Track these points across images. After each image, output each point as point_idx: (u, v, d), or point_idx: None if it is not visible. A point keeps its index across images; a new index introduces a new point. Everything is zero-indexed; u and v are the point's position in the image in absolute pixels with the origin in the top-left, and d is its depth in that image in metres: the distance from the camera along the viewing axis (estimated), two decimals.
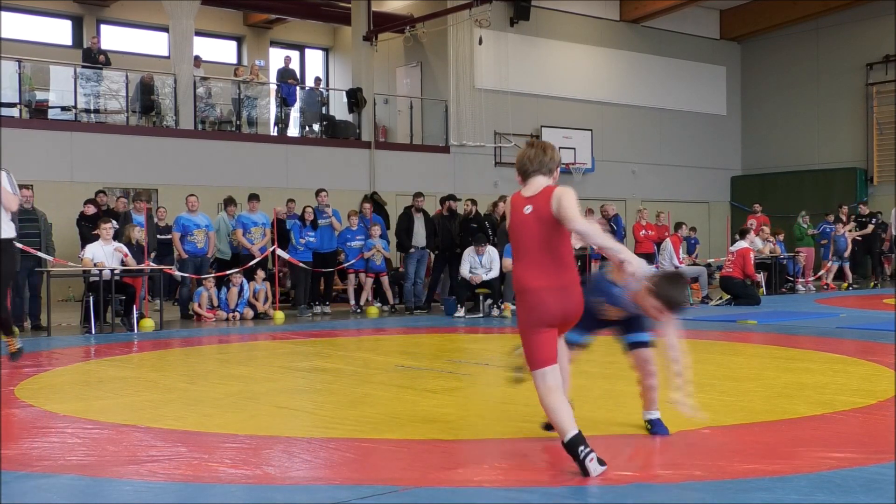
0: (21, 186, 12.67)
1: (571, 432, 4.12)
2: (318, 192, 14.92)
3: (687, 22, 24.99)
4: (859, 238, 19.66)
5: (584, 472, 4.04)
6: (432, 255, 15.35)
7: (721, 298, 15.16)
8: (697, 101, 25.61)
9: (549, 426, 4.60)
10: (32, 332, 11.77)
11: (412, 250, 14.73)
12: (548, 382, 4.24)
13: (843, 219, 19.71)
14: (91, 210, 13.69)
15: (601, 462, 4.09)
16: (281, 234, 14.02)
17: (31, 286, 12.11)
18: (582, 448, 4.08)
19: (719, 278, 16.36)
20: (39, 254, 11.89)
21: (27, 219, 12.06)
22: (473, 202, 15.53)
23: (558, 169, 4.56)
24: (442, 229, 14.81)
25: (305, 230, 14.24)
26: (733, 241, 16.43)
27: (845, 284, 19.04)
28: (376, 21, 20.47)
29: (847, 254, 19.21)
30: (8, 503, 3.77)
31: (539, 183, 4.43)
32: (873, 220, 19.90)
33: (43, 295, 12.10)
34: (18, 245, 11.61)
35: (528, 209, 4.37)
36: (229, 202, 14.87)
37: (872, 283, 19.94)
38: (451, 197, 15.34)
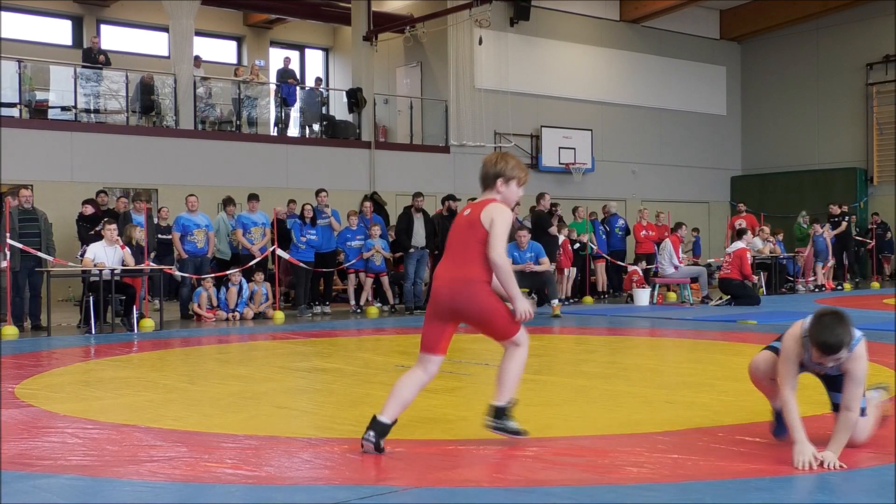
0: (21, 186, 12.72)
1: (384, 418, 4.54)
2: (317, 193, 14.93)
3: (687, 22, 25.01)
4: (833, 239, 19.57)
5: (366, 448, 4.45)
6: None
7: (721, 298, 15.16)
8: (697, 101, 25.62)
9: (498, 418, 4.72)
10: (32, 331, 11.77)
11: (412, 250, 14.73)
12: (415, 365, 4.71)
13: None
14: (89, 210, 13.69)
15: (377, 448, 4.45)
16: (281, 234, 14.02)
17: (32, 286, 12.10)
18: (373, 434, 4.49)
19: (718, 280, 16.37)
20: (39, 254, 11.89)
21: (27, 218, 12.06)
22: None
23: (500, 180, 4.70)
24: (442, 229, 14.81)
25: (306, 228, 14.24)
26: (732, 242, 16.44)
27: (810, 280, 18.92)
28: (376, 21, 20.48)
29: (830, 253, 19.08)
30: (8, 503, 3.76)
31: (484, 195, 4.76)
32: (846, 219, 19.84)
33: (43, 295, 12.10)
34: (18, 245, 11.63)
35: (466, 212, 4.74)
36: (228, 202, 14.86)
37: (856, 281, 19.92)
38: (451, 197, 15.35)
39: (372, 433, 4.49)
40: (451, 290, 4.59)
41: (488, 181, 4.73)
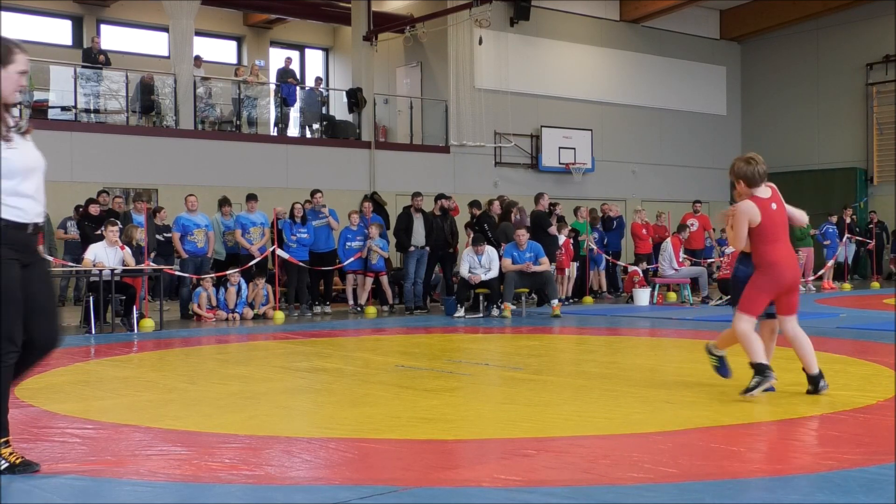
0: None
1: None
2: (312, 194, 14.89)
3: (687, 22, 25.00)
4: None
5: None
6: None
7: (721, 298, 15.16)
8: (697, 101, 25.61)
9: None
10: None
11: (411, 249, 14.73)
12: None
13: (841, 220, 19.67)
14: (96, 210, 13.66)
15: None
16: (280, 234, 14.02)
17: None
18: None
19: (718, 280, 16.36)
20: (49, 256, 11.86)
21: None
22: (476, 204, 15.67)
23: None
24: (436, 227, 14.81)
25: (296, 227, 14.24)
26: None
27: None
28: (376, 21, 20.48)
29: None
30: (8, 503, 3.77)
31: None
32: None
33: None
34: None
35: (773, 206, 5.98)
36: (223, 202, 14.85)
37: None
38: (443, 195, 15.35)
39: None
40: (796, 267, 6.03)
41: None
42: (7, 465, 4.13)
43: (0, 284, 4.01)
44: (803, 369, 6.06)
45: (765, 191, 5.98)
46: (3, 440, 4.17)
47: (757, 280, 5.91)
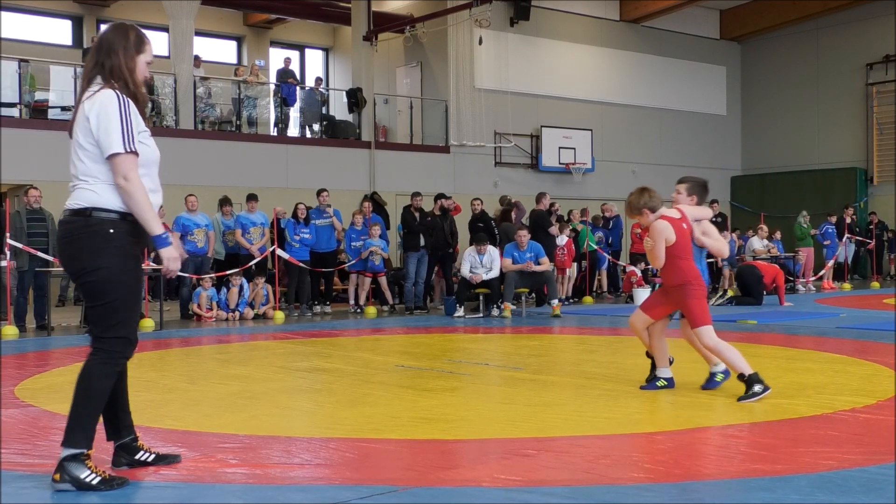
0: (30, 186, 12.66)
1: None
2: (318, 193, 14.92)
3: (687, 22, 25.02)
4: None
5: None
6: None
7: (722, 297, 15.16)
8: (697, 100, 25.63)
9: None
10: (37, 331, 11.75)
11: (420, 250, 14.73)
12: None
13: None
14: None
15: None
16: (280, 234, 14.03)
17: (38, 286, 12.06)
18: None
19: (739, 266, 16.32)
20: (41, 254, 11.83)
21: (35, 218, 12.01)
22: (480, 202, 15.69)
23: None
24: (435, 228, 14.80)
25: (299, 227, 14.24)
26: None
27: None
28: (376, 21, 20.48)
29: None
30: (8, 503, 3.77)
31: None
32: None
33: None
34: (18, 245, 11.60)
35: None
36: (224, 202, 14.85)
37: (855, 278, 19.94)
38: (443, 195, 15.35)
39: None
40: None
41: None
42: (97, 478, 3.90)
43: (130, 282, 4.13)
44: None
45: (673, 212, 6.21)
46: (132, 436, 4.28)
47: (697, 292, 6.12)
